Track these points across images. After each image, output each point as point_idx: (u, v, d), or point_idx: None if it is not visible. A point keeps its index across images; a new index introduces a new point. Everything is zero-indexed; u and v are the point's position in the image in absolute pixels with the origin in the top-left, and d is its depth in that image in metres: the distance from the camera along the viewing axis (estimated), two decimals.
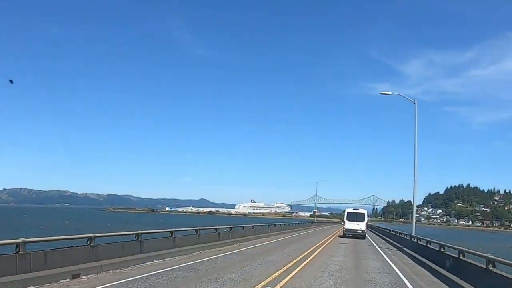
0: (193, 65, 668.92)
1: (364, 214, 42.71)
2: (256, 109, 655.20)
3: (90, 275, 12.58)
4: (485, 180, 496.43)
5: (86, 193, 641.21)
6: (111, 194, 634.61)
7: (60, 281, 11.48)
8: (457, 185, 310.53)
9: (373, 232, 65.94)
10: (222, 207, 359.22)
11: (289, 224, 53.62)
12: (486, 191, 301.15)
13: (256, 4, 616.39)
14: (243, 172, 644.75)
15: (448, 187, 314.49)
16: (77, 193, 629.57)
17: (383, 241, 42.48)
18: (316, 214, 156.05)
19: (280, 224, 46.16)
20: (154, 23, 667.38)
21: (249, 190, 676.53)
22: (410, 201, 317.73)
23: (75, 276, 12.06)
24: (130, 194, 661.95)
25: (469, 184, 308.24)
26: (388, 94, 31.63)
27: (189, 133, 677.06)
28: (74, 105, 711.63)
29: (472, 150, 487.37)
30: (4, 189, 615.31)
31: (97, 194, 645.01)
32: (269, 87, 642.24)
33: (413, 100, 31.03)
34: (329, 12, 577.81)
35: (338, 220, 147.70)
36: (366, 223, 44.73)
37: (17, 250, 10.70)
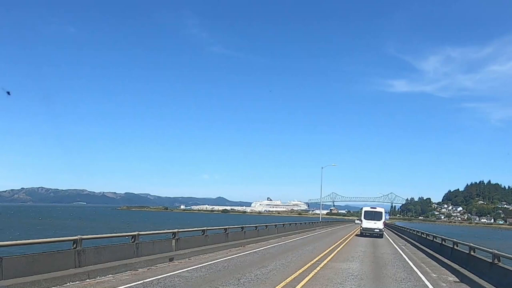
0: (208, 63, 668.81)
1: (381, 212, 41.72)
2: (273, 108, 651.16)
3: None
4: (506, 177, 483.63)
5: (103, 192, 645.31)
6: (128, 192, 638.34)
7: None
8: (477, 182, 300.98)
9: (400, 236, 49.33)
10: (239, 205, 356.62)
11: (282, 226, 38.57)
12: (507, 187, 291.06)
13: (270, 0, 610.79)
14: (261, 170, 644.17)
15: (469, 184, 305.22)
16: (94, 192, 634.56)
17: (447, 271, 18.04)
18: (334, 211, 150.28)
19: (266, 227, 33.30)
20: (169, 20, 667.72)
21: (267, 188, 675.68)
22: (429, 199, 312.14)
23: None
24: (147, 192, 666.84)
25: (490, 181, 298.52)
26: None
27: (208, 132, 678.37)
28: (92, 104, 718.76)
29: (492, 146, 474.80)
30: (22, 188, 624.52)
31: (114, 192, 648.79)
32: (284, 84, 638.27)
33: None
34: (346, 8, 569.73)
35: (354, 218, 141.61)
36: (384, 222, 43.76)
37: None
